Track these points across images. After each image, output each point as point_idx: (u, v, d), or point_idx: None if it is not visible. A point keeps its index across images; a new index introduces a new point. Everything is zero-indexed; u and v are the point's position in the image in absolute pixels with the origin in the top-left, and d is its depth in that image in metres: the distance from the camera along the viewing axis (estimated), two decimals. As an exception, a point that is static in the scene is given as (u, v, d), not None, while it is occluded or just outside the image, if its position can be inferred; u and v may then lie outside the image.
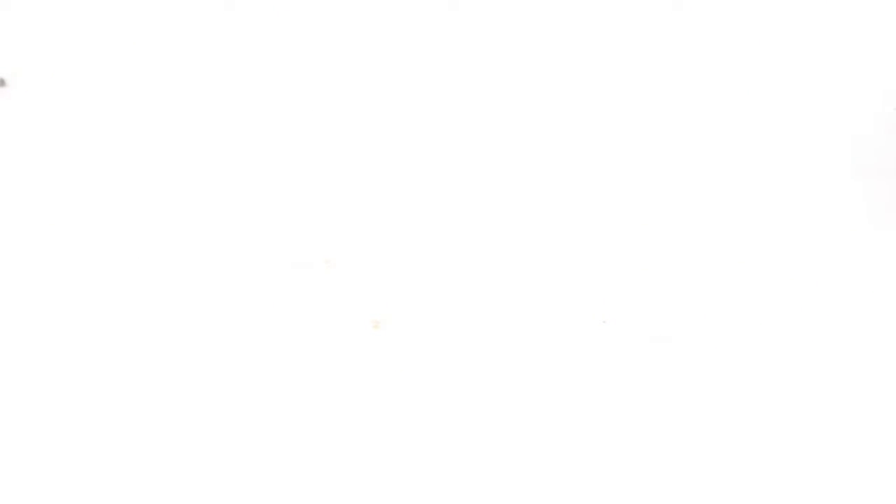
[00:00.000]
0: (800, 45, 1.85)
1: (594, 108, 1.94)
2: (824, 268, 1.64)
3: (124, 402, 1.29)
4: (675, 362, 1.43)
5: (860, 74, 1.85)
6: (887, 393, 1.40)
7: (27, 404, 1.29)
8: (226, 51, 2.12)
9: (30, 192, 1.72)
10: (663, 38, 2.04)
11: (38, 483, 1.18)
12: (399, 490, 1.21)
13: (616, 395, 1.36)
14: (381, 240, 1.61)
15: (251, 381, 1.34)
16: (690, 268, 1.62)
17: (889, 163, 1.73)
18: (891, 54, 1.84)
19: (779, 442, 1.30)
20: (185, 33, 2.16)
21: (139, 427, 1.25)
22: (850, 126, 1.79)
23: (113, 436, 1.24)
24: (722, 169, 1.77)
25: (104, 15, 2.20)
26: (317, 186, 1.76)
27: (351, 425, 1.29)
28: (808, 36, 1.85)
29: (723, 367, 1.43)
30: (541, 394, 1.35)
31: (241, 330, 1.42)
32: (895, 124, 1.81)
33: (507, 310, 1.50)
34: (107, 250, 1.58)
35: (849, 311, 1.55)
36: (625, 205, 1.74)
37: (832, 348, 1.47)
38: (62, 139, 1.90)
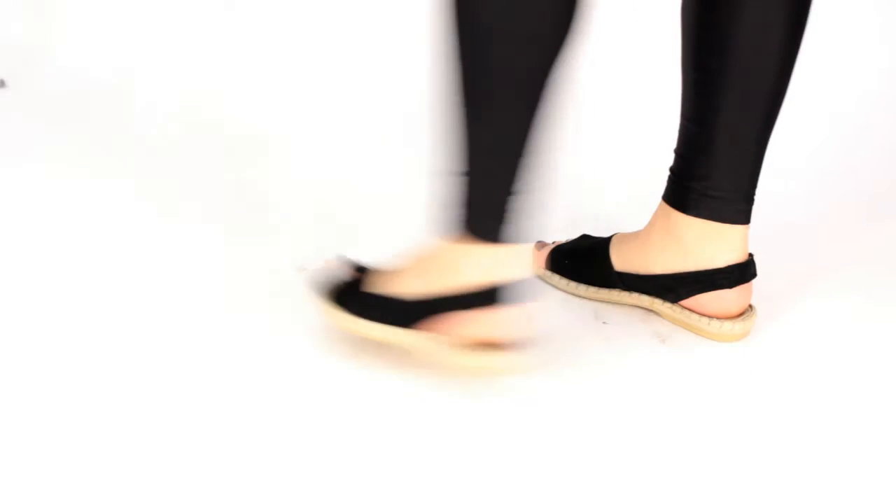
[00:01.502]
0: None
1: (594, 110, 1.95)
2: (823, 268, 1.64)
3: (122, 403, 1.29)
4: (676, 362, 1.43)
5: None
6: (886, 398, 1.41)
7: (28, 404, 1.29)
8: (225, 51, 2.12)
9: (29, 192, 1.73)
10: (661, 40, 2.05)
11: (37, 483, 1.18)
12: (399, 491, 1.21)
13: (616, 394, 1.36)
14: (381, 240, 1.61)
15: (250, 381, 1.34)
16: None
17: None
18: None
19: (779, 442, 1.30)
20: (184, 34, 2.17)
21: (136, 428, 1.26)
22: None
23: (110, 437, 1.24)
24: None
25: (104, 15, 2.21)
26: (316, 187, 1.76)
27: (350, 425, 1.29)
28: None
29: (723, 366, 1.43)
30: (541, 394, 1.35)
31: (241, 330, 1.42)
32: None
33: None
34: (105, 250, 1.59)
35: (853, 317, 1.55)
36: (624, 206, 1.75)
37: (833, 351, 1.47)
38: (61, 139, 1.91)
